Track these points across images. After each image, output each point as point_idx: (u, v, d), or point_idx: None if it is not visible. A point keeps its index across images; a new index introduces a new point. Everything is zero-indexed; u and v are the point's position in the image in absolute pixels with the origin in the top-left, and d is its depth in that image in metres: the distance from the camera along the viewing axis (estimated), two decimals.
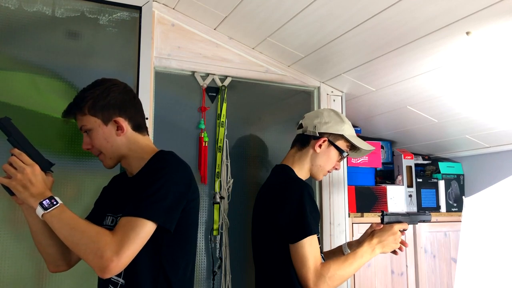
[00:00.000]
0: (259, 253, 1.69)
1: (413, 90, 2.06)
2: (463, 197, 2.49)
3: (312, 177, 1.78)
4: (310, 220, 1.52)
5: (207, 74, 2.02)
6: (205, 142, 1.97)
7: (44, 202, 1.18)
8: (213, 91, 2.03)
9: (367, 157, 2.44)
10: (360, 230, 2.23)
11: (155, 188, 1.20)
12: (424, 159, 2.76)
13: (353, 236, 2.23)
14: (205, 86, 2.01)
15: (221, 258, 1.94)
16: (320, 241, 1.96)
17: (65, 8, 1.77)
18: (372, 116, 2.50)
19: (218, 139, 2.00)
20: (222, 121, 2.01)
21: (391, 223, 1.67)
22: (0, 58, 1.67)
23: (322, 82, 2.26)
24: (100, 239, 1.13)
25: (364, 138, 2.20)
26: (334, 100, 2.28)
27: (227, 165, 2.00)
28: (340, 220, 2.19)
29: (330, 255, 1.81)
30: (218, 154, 1.99)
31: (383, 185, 2.50)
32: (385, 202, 2.44)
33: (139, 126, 1.38)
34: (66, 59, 1.76)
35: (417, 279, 2.40)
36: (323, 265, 1.52)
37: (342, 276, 1.52)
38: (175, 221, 1.23)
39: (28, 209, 1.27)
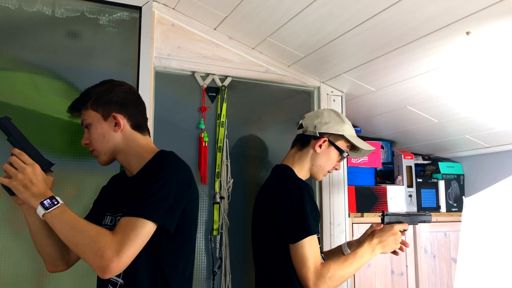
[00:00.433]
0: (259, 253, 1.69)
1: (413, 90, 2.06)
2: (463, 197, 2.49)
3: (312, 177, 1.78)
4: (310, 220, 1.52)
5: (207, 74, 2.02)
6: (205, 142, 1.97)
7: (45, 201, 1.17)
8: (213, 91, 2.03)
9: (367, 157, 2.44)
10: (360, 230, 2.23)
11: (155, 188, 1.20)
12: (424, 159, 2.76)
13: (353, 236, 2.23)
14: (205, 86, 2.01)
15: (221, 258, 1.94)
16: (320, 241, 1.96)
17: (65, 8, 1.77)
18: (372, 116, 2.50)
19: (218, 139, 2.00)
20: (222, 121, 2.01)
21: (391, 223, 1.67)
22: (0, 58, 1.67)
23: (322, 82, 2.26)
24: (100, 239, 1.13)
25: (364, 138, 2.20)
26: (334, 100, 2.28)
27: (227, 165, 2.00)
28: (340, 220, 2.19)
29: (330, 255, 1.81)
30: (218, 154, 1.99)
31: (383, 185, 2.50)
32: (385, 202, 2.44)
33: (139, 126, 1.38)
34: (66, 59, 1.76)
35: (417, 279, 2.40)
36: (323, 265, 1.52)
37: (342, 276, 1.52)
38: (175, 221, 1.23)
39: (28, 209, 1.27)
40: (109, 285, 1.27)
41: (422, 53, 1.74)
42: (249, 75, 2.09)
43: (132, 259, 1.15)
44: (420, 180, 2.60)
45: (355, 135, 1.79)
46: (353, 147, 1.77)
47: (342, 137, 1.73)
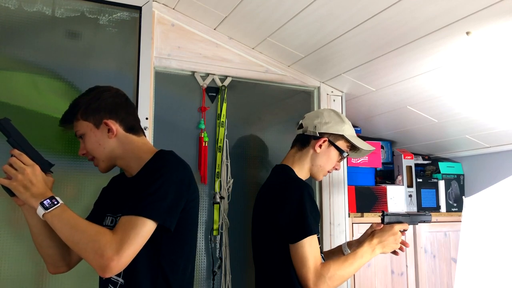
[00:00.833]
0: (259, 253, 1.69)
1: (413, 90, 2.06)
2: (463, 197, 2.49)
3: (312, 177, 1.78)
4: (310, 220, 1.52)
5: (207, 74, 2.02)
6: (205, 142, 1.97)
7: (45, 202, 1.18)
8: (213, 91, 2.03)
9: (367, 157, 2.44)
10: (360, 230, 2.23)
11: (155, 187, 1.21)
12: (424, 159, 2.76)
13: (353, 236, 2.23)
14: (205, 86, 2.01)
15: (221, 258, 1.94)
16: (320, 241, 1.96)
17: (65, 8, 1.77)
18: (372, 116, 2.50)
19: (218, 139, 2.00)
20: (222, 121, 2.01)
21: (391, 223, 1.67)
22: (0, 58, 1.67)
23: (322, 82, 2.26)
24: (100, 238, 1.13)
25: (364, 138, 2.20)
26: (334, 100, 2.28)
27: (227, 165, 2.00)
28: (340, 220, 2.19)
29: (330, 255, 1.81)
30: (218, 154, 1.99)
31: (383, 185, 2.50)
32: (385, 202, 2.44)
33: (132, 128, 1.38)
34: (66, 59, 1.76)
35: (417, 279, 2.41)
36: (323, 265, 1.52)
37: (342, 276, 1.52)
38: (175, 220, 1.23)
39: (29, 210, 1.27)
40: (110, 285, 1.28)
41: (422, 53, 1.74)
42: (249, 75, 2.09)
43: (132, 258, 1.15)
44: (420, 180, 2.60)
45: (355, 135, 1.79)
46: (353, 147, 1.77)
47: (342, 137, 1.73)
